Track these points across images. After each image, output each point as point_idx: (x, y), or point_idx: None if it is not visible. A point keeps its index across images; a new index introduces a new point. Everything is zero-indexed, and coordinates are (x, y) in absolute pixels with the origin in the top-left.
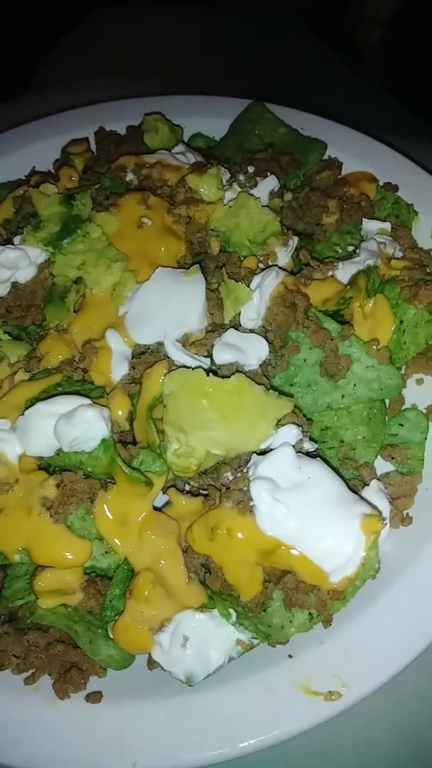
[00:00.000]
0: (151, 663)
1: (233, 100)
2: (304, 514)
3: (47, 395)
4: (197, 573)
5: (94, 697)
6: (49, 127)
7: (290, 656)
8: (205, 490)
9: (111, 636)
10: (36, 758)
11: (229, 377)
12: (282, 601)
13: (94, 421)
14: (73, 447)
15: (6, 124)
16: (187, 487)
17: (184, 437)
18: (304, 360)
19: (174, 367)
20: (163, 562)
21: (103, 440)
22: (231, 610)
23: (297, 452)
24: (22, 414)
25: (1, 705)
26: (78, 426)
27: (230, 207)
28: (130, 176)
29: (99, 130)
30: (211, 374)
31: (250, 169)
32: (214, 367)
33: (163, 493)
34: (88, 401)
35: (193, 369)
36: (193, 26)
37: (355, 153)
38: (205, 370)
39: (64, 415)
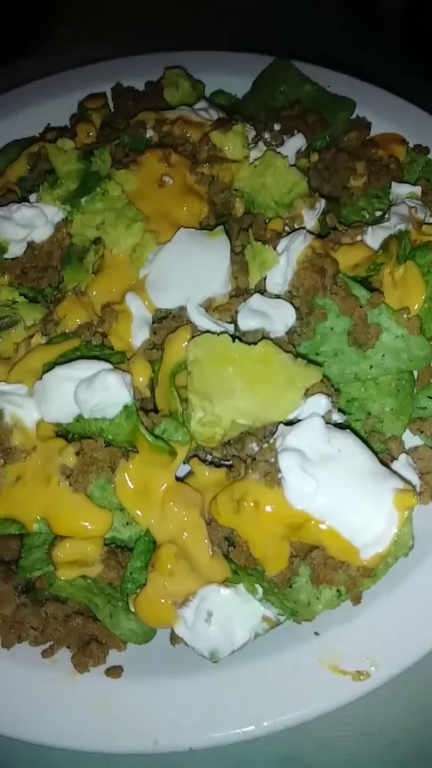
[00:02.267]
0: (174, 638)
1: (255, 56)
2: (335, 487)
3: (65, 360)
4: (221, 546)
5: (114, 672)
6: (63, 82)
7: (317, 634)
8: (228, 461)
9: (132, 609)
10: (53, 734)
11: (254, 344)
12: (309, 577)
13: (115, 386)
14: (94, 413)
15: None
16: (210, 458)
17: (210, 406)
18: (331, 328)
19: (197, 333)
20: (186, 534)
21: (125, 407)
22: (257, 586)
23: (326, 423)
24: (40, 379)
25: (18, 678)
26: (99, 392)
27: (256, 166)
28: (150, 133)
29: (116, 86)
30: (237, 341)
31: (276, 127)
32: (238, 334)
33: (185, 463)
34: (109, 366)
35: (218, 335)
36: None
37: (384, 114)
38: (230, 336)
39: (84, 380)
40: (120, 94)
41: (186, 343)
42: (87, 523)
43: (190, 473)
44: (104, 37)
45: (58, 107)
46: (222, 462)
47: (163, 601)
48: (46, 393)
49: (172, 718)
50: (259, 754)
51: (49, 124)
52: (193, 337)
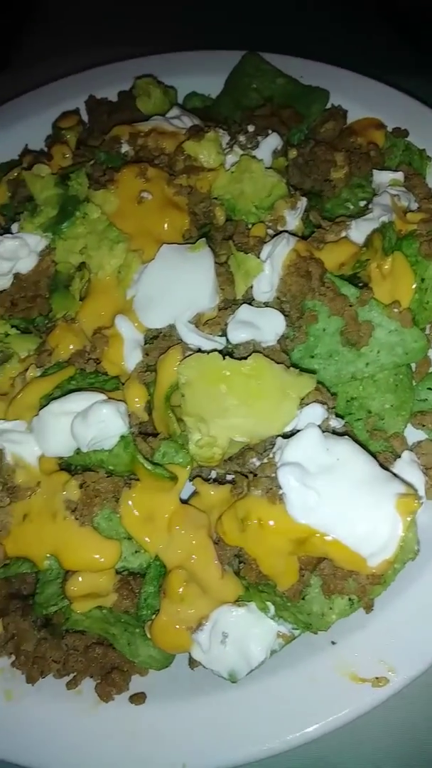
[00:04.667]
0: (192, 662)
1: (227, 52)
2: (336, 498)
3: (61, 391)
4: (231, 564)
5: (138, 698)
6: (36, 101)
7: (333, 643)
8: (232, 475)
9: (149, 636)
10: (82, 765)
11: (246, 357)
12: (320, 587)
13: (110, 418)
14: (92, 446)
15: None
16: (214, 474)
17: (205, 427)
18: (323, 329)
19: (189, 351)
20: (195, 557)
21: (122, 437)
22: (269, 603)
23: (323, 432)
24: (37, 414)
25: (44, 711)
26: (94, 425)
27: (232, 172)
28: (125, 148)
29: (89, 99)
30: (227, 357)
31: (250, 128)
32: (230, 347)
33: (190, 481)
34: (102, 397)
35: (208, 353)
36: None
37: (359, 98)
38: (220, 351)
39: (79, 414)
40: (94, 107)
41: (177, 363)
42: (96, 556)
43: (194, 493)
44: (71, 48)
45: (33, 126)
46: (225, 478)
47: (177, 627)
48: (43, 429)
49: (198, 740)
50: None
51: (27, 145)
52: (185, 355)
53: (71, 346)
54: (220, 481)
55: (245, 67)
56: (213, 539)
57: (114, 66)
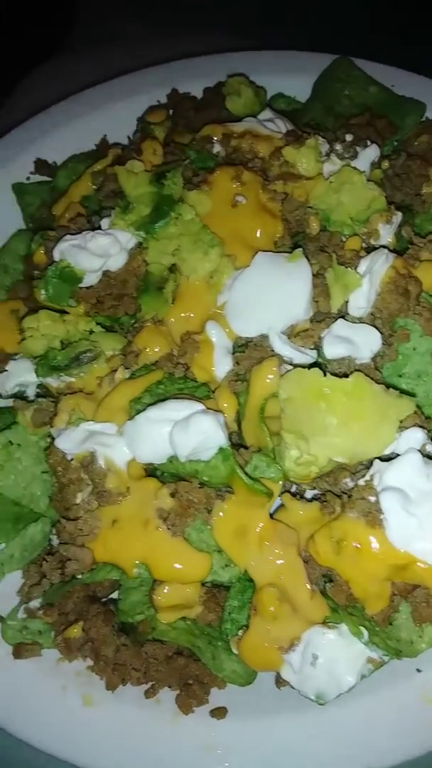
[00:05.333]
0: (280, 681)
1: (314, 54)
2: None
3: (150, 395)
4: (318, 584)
5: (219, 713)
6: (116, 89)
7: (418, 671)
8: (313, 491)
9: (234, 651)
10: None
11: (342, 374)
12: (410, 614)
13: (211, 429)
14: (191, 457)
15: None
16: (294, 488)
17: (305, 445)
18: (414, 348)
19: (282, 365)
20: (285, 575)
21: (222, 449)
22: (362, 629)
23: (423, 457)
24: (129, 417)
25: (124, 718)
26: (195, 436)
27: (331, 182)
28: (217, 148)
29: (173, 93)
30: (328, 374)
31: (348, 138)
32: (321, 360)
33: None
34: (201, 407)
35: (308, 368)
36: None
37: None
38: (318, 365)
39: (178, 423)
40: (178, 101)
41: (272, 375)
42: (188, 568)
43: (281, 507)
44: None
45: (111, 116)
46: (305, 494)
47: (267, 645)
48: (138, 434)
49: (279, 759)
50: None
51: (105, 136)
52: (281, 370)
53: (158, 350)
54: (303, 496)
55: (336, 73)
56: (303, 557)
57: (198, 60)
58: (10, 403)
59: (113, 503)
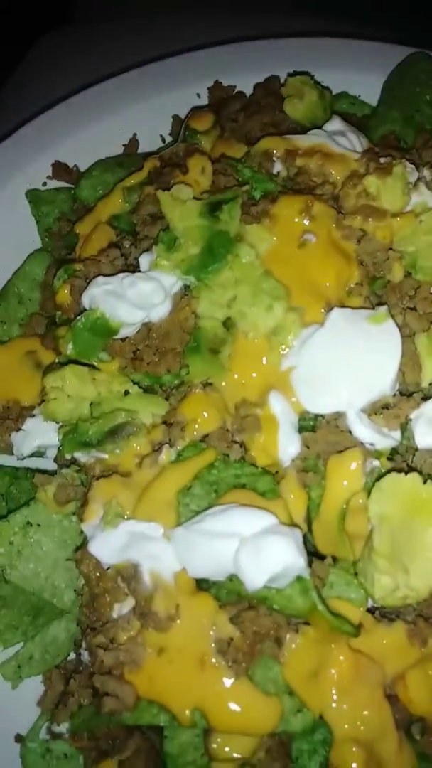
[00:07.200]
0: None
1: (382, 45)
2: None
3: (201, 485)
4: (403, 724)
5: None
6: (145, 80)
7: None
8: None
9: None
10: None
11: None
12: None
13: (288, 555)
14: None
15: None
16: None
17: (404, 577)
18: None
19: (370, 458)
20: (369, 725)
21: (300, 579)
22: None
23: None
24: (179, 519)
25: None
26: (267, 564)
27: (421, 221)
28: (277, 167)
29: (215, 86)
30: (429, 482)
31: None
32: (406, 444)
33: None
34: (274, 520)
35: (405, 473)
36: None
37: None
38: (419, 474)
39: (245, 543)
40: (222, 98)
41: (357, 475)
42: (254, 719)
43: (359, 626)
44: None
45: (141, 111)
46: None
47: None
48: (191, 547)
49: None
50: None
51: (135, 134)
52: (366, 467)
53: (209, 422)
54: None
55: (415, 72)
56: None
57: (236, 46)
58: (27, 463)
59: (162, 630)
